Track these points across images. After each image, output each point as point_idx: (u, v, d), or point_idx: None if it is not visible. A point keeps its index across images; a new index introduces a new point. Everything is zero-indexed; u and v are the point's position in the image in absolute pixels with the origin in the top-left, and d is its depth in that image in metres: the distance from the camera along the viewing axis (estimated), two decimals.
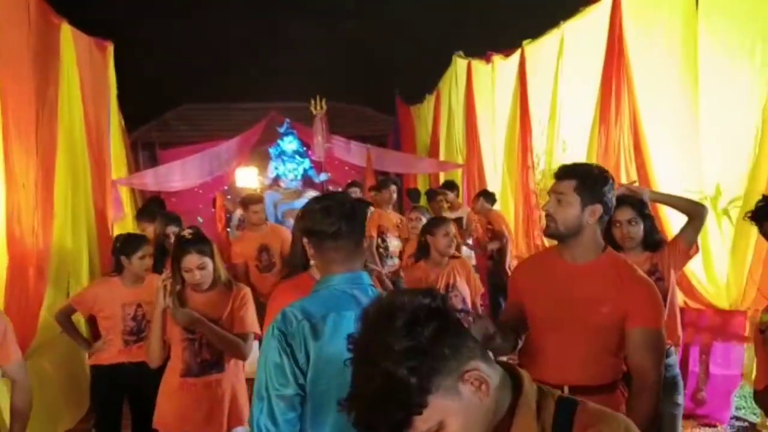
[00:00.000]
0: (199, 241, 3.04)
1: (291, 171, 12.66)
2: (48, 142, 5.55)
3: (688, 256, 3.56)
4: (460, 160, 10.20)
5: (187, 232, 3.06)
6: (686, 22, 4.69)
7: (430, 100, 12.07)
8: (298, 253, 2.41)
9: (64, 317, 3.89)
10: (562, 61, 6.57)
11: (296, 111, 13.31)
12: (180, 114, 15.32)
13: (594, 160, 5.89)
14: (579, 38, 6.28)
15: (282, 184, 12.61)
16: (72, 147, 6.33)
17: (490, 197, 7.55)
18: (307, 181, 12.80)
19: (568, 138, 6.46)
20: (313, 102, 12.08)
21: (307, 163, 12.80)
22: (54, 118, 5.76)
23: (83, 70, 6.65)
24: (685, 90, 4.76)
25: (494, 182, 8.68)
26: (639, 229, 3.31)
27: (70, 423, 4.89)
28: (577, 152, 6.22)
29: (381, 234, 6.31)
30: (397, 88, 14.91)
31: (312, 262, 2.39)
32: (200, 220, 12.26)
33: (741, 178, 4.32)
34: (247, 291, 3.14)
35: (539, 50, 7.14)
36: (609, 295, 2.28)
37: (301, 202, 12.01)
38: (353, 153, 12.39)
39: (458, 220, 7.06)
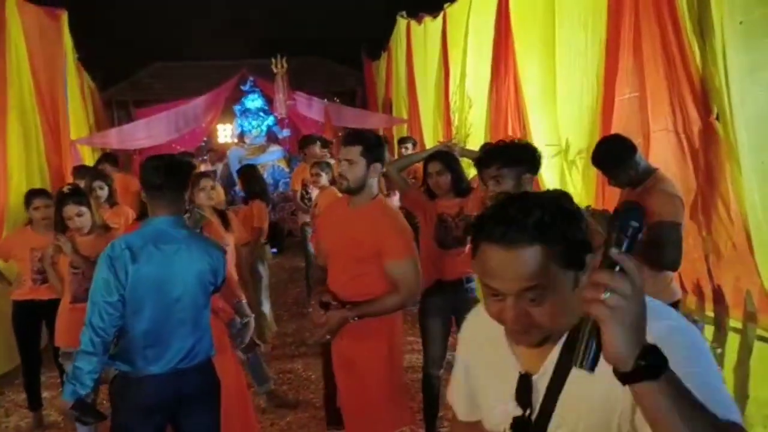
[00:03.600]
0: (76, 194, 3.76)
1: (255, 128, 13.23)
2: None
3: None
4: (405, 115, 10.78)
5: (66, 188, 3.78)
6: (547, 4, 5.31)
7: (384, 58, 12.55)
8: (141, 202, 3.10)
9: None
10: (471, 24, 7.12)
11: (266, 68, 13.57)
12: (152, 72, 15.81)
13: (490, 117, 6.56)
14: (483, 4, 6.83)
15: (247, 140, 13.20)
16: (23, 112, 6.96)
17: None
18: (271, 137, 13.39)
19: (474, 96, 7.06)
20: (274, 60, 12.60)
21: (271, 120, 13.36)
22: (2, 84, 6.38)
23: (31, 39, 7.22)
24: (546, 58, 5.39)
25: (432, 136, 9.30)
26: (447, 179, 3.88)
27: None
28: (479, 109, 6.85)
29: (304, 186, 6.99)
30: (363, 43, 15.29)
31: None
32: None
33: (585, 133, 4.96)
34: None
35: (458, 13, 7.68)
36: (367, 234, 2.89)
37: (265, 158, 12.75)
38: (315, 109, 12.91)
39: None
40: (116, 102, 15.01)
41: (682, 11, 3.75)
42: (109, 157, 8.19)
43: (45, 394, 4.63)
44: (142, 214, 3.14)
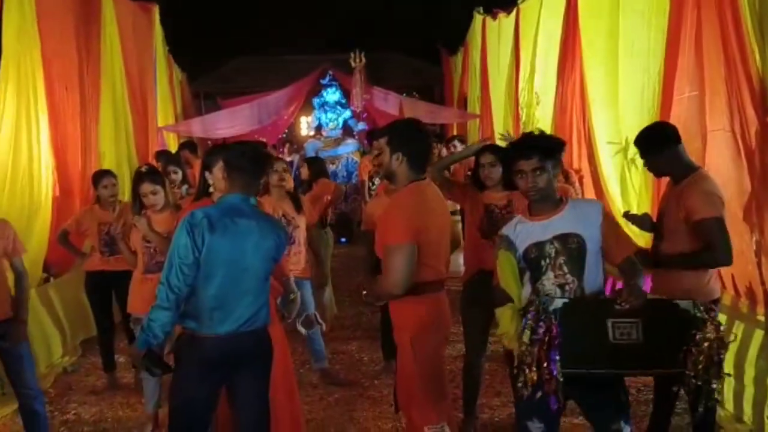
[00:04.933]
0: (152, 174, 4.09)
1: (332, 120, 13.59)
2: (92, 92, 6.74)
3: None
4: (478, 111, 10.84)
5: (143, 168, 4.13)
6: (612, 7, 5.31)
7: (461, 53, 12.63)
8: (202, 183, 3.37)
9: (62, 238, 4.99)
10: (542, 21, 7.13)
11: (345, 62, 13.80)
12: (237, 66, 16.43)
13: (555, 113, 6.57)
14: (554, 1, 6.83)
15: (323, 133, 13.57)
16: (114, 100, 7.52)
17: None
18: (347, 130, 13.72)
19: (541, 92, 7.08)
20: (352, 55, 12.90)
21: (347, 113, 13.68)
22: (97, 72, 6.94)
23: (124, 31, 7.78)
24: (610, 55, 5.39)
25: None
26: (498, 171, 3.86)
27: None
28: (546, 106, 6.88)
29: (371, 177, 7.26)
30: (442, 39, 15.36)
31: (211, 189, 3.35)
32: None
33: None
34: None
35: (530, 10, 7.69)
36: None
37: (340, 150, 13.09)
38: (390, 103, 13.11)
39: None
40: (204, 93, 15.73)
41: (744, 10, 3.69)
42: (189, 144, 8.70)
43: (121, 359, 5.06)
44: (199, 194, 3.39)
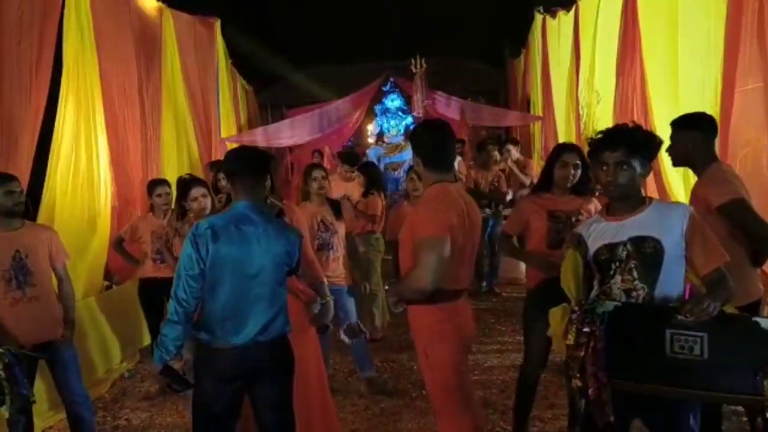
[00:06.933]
0: (197, 179, 4.22)
1: (394, 127, 13.58)
2: (153, 106, 6.99)
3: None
4: (540, 112, 10.56)
5: (185, 176, 4.24)
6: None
7: (523, 54, 12.37)
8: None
9: (118, 245, 5.18)
10: (601, 17, 6.86)
11: (406, 68, 13.79)
12: (301, 77, 16.64)
13: (615, 111, 6.29)
14: None
15: (385, 140, 13.58)
16: (176, 113, 7.76)
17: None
18: (409, 136, 13.63)
19: (601, 90, 6.80)
20: (413, 61, 12.85)
21: (409, 119, 13.64)
22: (157, 86, 7.19)
23: (185, 46, 8.01)
24: (670, 49, 5.10)
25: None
26: (578, 174, 3.52)
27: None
28: (607, 104, 6.60)
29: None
30: (505, 41, 15.12)
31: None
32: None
33: None
34: None
35: (589, 6, 7.41)
36: (409, 221, 2.88)
37: (401, 156, 13.05)
38: (453, 108, 12.98)
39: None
40: (270, 105, 16.05)
41: None
42: None
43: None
44: (227, 201, 3.40)
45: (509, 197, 7.21)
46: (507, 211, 7.33)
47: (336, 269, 4.49)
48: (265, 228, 2.78)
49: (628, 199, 2.48)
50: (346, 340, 4.29)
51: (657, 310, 2.36)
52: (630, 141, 2.42)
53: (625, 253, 2.43)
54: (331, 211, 4.58)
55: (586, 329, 2.34)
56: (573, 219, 3.49)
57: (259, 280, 2.73)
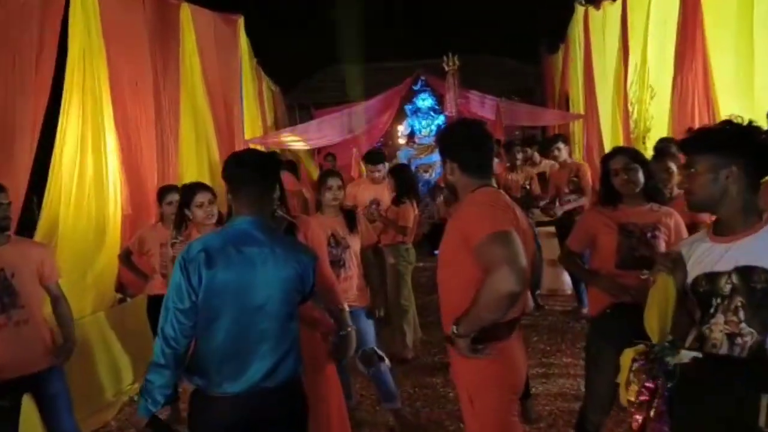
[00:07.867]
0: (204, 185, 3.78)
1: (425, 127, 13.07)
2: (170, 106, 6.56)
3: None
4: (582, 110, 9.95)
5: (190, 182, 3.77)
6: None
7: (561, 50, 11.76)
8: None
9: (124, 258, 4.73)
10: (653, 6, 6.27)
11: (438, 66, 13.34)
12: (328, 76, 16.26)
13: (673, 108, 5.69)
14: None
15: (416, 140, 13.07)
16: (195, 114, 7.33)
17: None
18: None
19: (656, 85, 6.20)
20: (445, 59, 12.31)
21: (441, 119, 13.12)
22: (175, 85, 6.77)
23: (205, 43, 7.57)
24: (742, 40, 4.52)
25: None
26: (638, 174, 3.04)
27: None
28: (662, 100, 6.01)
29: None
30: (542, 38, 14.55)
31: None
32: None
33: None
34: None
35: None
36: (449, 232, 2.42)
37: (433, 157, 12.53)
38: (487, 107, 12.46)
39: (541, 174, 7.08)
40: (298, 105, 15.66)
41: None
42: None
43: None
44: (228, 214, 2.91)
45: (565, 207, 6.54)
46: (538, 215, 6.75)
47: (349, 289, 3.91)
48: (272, 248, 2.28)
49: (737, 214, 1.94)
50: (362, 369, 3.80)
51: (751, 368, 1.82)
52: (714, 142, 2.05)
53: (729, 286, 1.90)
54: (344, 224, 4.05)
55: (649, 384, 1.88)
56: (648, 235, 2.97)
57: (264, 313, 2.24)
